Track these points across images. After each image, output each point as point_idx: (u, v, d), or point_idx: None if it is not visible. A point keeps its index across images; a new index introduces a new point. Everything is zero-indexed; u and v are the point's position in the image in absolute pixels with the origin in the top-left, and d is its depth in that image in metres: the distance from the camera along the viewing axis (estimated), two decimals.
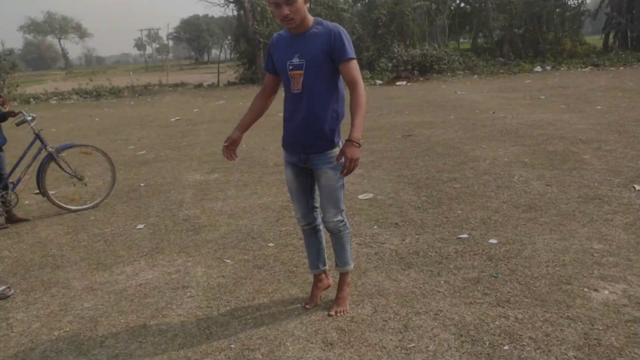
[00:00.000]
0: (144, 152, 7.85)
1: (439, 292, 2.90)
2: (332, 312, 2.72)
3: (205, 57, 76.86)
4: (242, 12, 21.54)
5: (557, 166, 5.29)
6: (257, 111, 2.75)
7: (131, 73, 41.12)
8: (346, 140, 2.32)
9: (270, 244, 3.79)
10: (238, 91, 19.19)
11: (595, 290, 2.79)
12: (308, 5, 2.42)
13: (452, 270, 3.16)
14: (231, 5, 22.64)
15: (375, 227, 3.99)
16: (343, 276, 2.83)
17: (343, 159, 2.31)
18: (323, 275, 2.91)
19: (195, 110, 13.69)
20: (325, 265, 2.92)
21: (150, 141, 8.85)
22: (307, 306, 2.82)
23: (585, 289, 2.81)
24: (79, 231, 4.37)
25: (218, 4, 27.82)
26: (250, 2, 21.37)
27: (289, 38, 2.47)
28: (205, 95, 18.55)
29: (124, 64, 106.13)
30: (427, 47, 20.40)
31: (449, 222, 3.97)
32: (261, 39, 21.04)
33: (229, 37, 37.29)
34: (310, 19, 2.42)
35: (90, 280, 3.37)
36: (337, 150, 2.50)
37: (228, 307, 2.89)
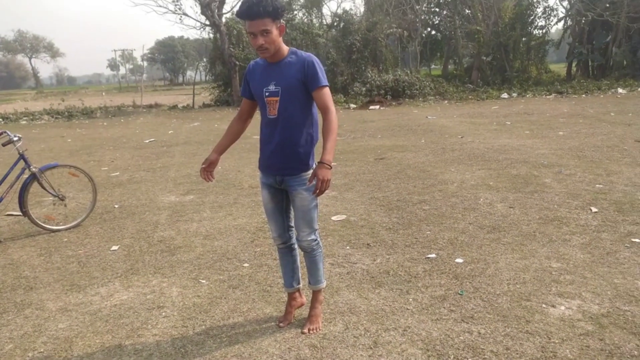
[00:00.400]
0: (117, 173, 7.84)
1: (407, 309, 3.04)
2: (305, 330, 2.82)
3: (180, 79, 76.76)
4: (218, 35, 21.77)
5: (520, 189, 5.56)
6: (233, 134, 2.88)
7: (104, 93, 40.73)
8: (318, 162, 2.47)
9: (245, 265, 3.87)
10: (213, 113, 19.26)
11: (553, 306, 2.97)
12: (284, 35, 2.57)
13: (420, 288, 3.31)
14: (207, 28, 22.88)
15: (348, 247, 4.12)
16: (315, 294, 2.94)
17: (315, 180, 2.45)
18: (297, 294, 3.02)
19: (170, 131, 13.69)
20: (299, 283, 3.02)
21: (124, 162, 8.83)
22: (281, 324, 2.91)
23: (544, 305, 2.98)
24: (52, 253, 4.36)
25: (194, 27, 27.97)
26: (227, 26, 21.64)
27: (265, 66, 2.61)
28: (180, 116, 18.55)
29: (96, 84, 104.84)
30: (399, 72, 20.94)
31: (418, 243, 4.13)
32: (237, 62, 21.26)
33: (205, 59, 37.48)
34: (285, 48, 2.56)
35: (65, 301, 3.38)
36: (310, 173, 2.64)
37: (203, 327, 2.95)
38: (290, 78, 2.52)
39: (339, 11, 24.48)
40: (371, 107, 17.77)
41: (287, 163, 2.63)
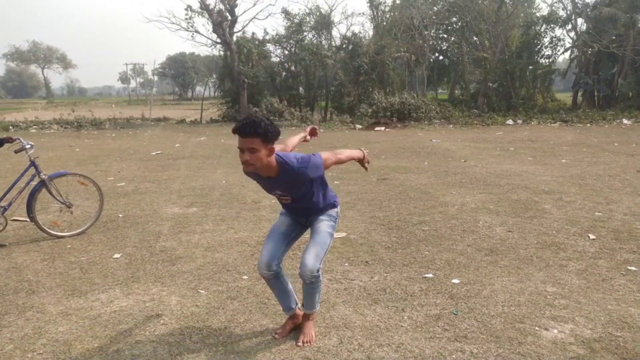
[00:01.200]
0: (123, 183, 7.95)
1: (402, 326, 3.07)
2: (300, 343, 2.87)
3: (190, 94, 77.61)
4: (228, 52, 22.15)
5: (519, 214, 5.60)
6: None
7: (113, 105, 41.24)
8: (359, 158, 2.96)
9: (245, 277, 3.92)
10: (220, 129, 19.47)
11: (546, 329, 3.00)
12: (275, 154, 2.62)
13: (416, 306, 3.34)
14: (218, 46, 23.28)
15: (347, 264, 4.17)
16: (307, 315, 2.99)
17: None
18: (298, 311, 3.05)
19: (176, 145, 13.86)
20: (297, 303, 3.06)
21: (130, 173, 8.95)
22: (277, 336, 2.96)
23: (537, 328, 3.01)
24: (55, 258, 4.43)
25: (205, 44, 28.48)
26: (237, 45, 22.02)
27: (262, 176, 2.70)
28: (187, 131, 18.76)
29: (107, 97, 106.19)
30: (406, 95, 21.14)
31: (416, 262, 4.17)
32: (245, 80, 21.56)
33: (214, 76, 37.99)
34: (275, 165, 2.61)
35: (65, 305, 3.44)
36: (336, 210, 2.94)
37: (200, 335, 2.99)
38: (292, 187, 2.74)
39: (348, 34, 24.84)
40: (376, 128, 17.93)
41: (313, 212, 2.91)
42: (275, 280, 2.92)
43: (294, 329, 3.02)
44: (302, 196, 2.79)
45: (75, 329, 3.09)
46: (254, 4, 28.33)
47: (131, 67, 75.95)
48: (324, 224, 2.85)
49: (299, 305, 3.06)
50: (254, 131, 2.46)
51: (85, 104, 35.28)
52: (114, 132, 18.75)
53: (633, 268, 3.93)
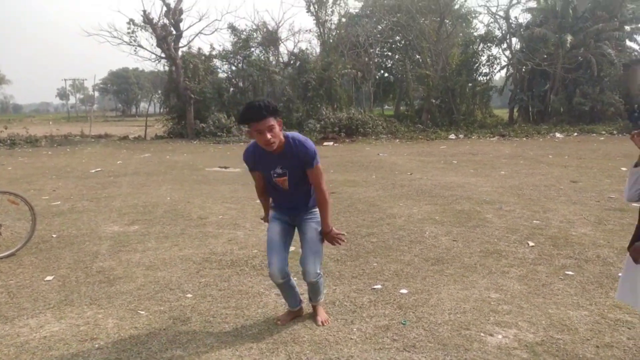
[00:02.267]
0: (59, 202, 7.51)
1: (351, 339, 3.03)
2: (319, 323, 3.18)
3: (133, 110, 75.40)
4: (173, 68, 21.70)
5: (463, 223, 5.74)
6: (265, 197, 3.26)
7: (51, 122, 39.28)
8: (323, 232, 3.08)
9: (189, 295, 3.76)
10: (165, 145, 18.96)
11: (491, 335, 3.05)
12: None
13: (365, 318, 3.31)
14: (163, 61, 22.76)
15: (295, 278, 4.08)
16: (316, 305, 3.28)
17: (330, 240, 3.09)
18: (300, 309, 3.32)
19: (118, 162, 13.33)
20: (302, 301, 3.33)
21: (66, 192, 8.48)
22: (279, 322, 3.21)
23: (482, 334, 3.05)
24: None
25: (149, 59, 27.76)
26: (182, 59, 21.64)
27: (265, 153, 2.91)
28: (130, 147, 18.12)
29: (44, 113, 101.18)
30: (353, 111, 21.46)
31: (365, 274, 4.16)
32: (192, 95, 21.18)
33: (159, 92, 37.10)
34: (282, 140, 2.86)
35: None
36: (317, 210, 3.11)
37: (139, 358, 2.82)
38: (293, 164, 2.93)
39: (296, 50, 25.04)
40: (325, 143, 18.05)
41: (300, 209, 3.10)
42: (287, 284, 3.14)
43: (294, 318, 3.28)
44: (297, 180, 2.96)
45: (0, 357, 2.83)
46: (200, 19, 28.18)
47: (70, 83, 72.86)
48: (313, 230, 3.06)
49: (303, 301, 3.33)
50: (268, 112, 2.71)
51: (20, 122, 33.31)
52: (50, 149, 17.82)
53: (570, 273, 4.09)
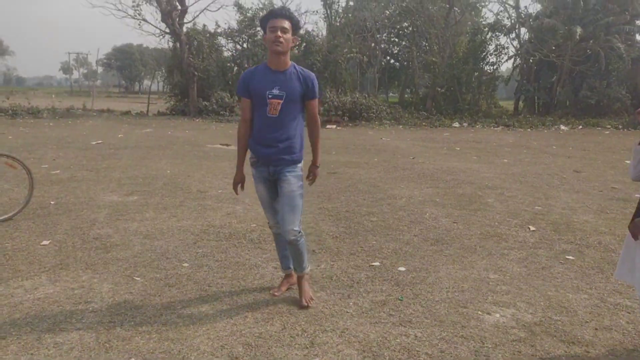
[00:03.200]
0: (58, 171, 7.46)
1: (347, 312, 3.00)
2: (304, 303, 3.03)
3: (137, 87, 74.98)
4: (177, 44, 21.48)
5: (464, 207, 5.69)
6: (246, 140, 3.10)
7: (54, 96, 39.08)
8: (312, 166, 3.19)
9: (185, 264, 3.73)
10: (167, 121, 18.84)
11: (488, 313, 3.02)
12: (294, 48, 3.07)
13: (362, 293, 3.28)
14: (167, 37, 22.52)
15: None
16: (300, 277, 3.14)
17: (311, 178, 3.21)
18: (292, 272, 3.25)
19: (119, 135, 13.25)
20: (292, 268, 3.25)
21: (66, 162, 8.43)
22: (276, 293, 3.20)
23: (479, 312, 3.02)
24: None
25: (153, 34, 27.44)
26: (187, 36, 21.40)
27: (265, 72, 2.95)
28: (132, 123, 18.02)
29: (47, 87, 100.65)
30: (357, 95, 21.30)
31: (363, 251, 4.12)
32: (195, 72, 21.00)
33: (163, 69, 36.81)
34: (289, 61, 2.96)
35: None
36: (300, 166, 3.06)
37: (132, 322, 2.79)
38: (294, 86, 2.93)
39: (301, 32, 24.74)
40: (328, 126, 17.94)
41: (282, 155, 2.97)
42: (282, 238, 3.10)
43: (289, 289, 3.26)
44: (289, 108, 2.93)
45: None
46: None
47: (74, 57, 72.44)
48: (292, 184, 2.98)
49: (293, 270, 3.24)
50: (288, 15, 2.89)
51: (23, 94, 33.08)
52: (52, 121, 17.73)
53: (571, 257, 4.05)
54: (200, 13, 24.16)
